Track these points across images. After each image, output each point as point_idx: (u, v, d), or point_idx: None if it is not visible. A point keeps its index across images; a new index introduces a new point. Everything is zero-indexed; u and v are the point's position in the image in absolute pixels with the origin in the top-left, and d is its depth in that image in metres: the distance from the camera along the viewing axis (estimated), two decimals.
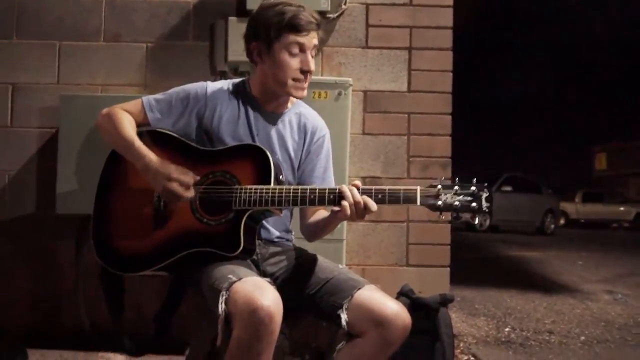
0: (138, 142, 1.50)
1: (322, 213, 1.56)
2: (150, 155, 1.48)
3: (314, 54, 1.53)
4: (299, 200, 1.41)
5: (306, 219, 1.61)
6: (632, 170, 29.44)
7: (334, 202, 1.40)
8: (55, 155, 2.36)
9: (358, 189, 1.39)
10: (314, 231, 1.60)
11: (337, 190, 1.40)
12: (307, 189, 1.42)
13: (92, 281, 2.30)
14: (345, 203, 1.37)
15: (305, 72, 1.51)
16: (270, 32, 1.49)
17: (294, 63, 1.50)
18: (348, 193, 1.38)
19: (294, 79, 1.51)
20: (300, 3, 1.54)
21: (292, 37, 1.48)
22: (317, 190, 1.41)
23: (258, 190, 1.42)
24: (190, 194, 1.45)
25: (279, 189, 1.42)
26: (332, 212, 1.46)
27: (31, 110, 2.55)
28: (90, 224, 1.56)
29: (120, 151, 1.54)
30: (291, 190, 1.42)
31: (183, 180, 1.44)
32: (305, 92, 1.56)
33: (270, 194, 1.41)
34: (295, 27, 1.48)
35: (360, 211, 1.38)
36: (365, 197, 1.37)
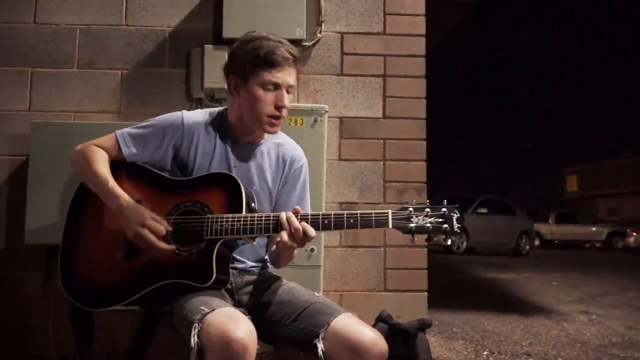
0: (112, 182, 1.47)
1: None
2: (125, 197, 1.45)
3: (290, 90, 1.53)
4: (255, 229, 1.40)
5: (271, 247, 1.61)
6: (601, 191, 30.24)
7: (277, 229, 1.39)
8: (25, 184, 2.31)
9: (297, 214, 1.39)
10: (273, 259, 1.61)
11: (277, 218, 1.39)
12: (254, 217, 1.41)
13: (61, 313, 2.22)
14: (282, 231, 1.37)
15: (279, 107, 1.51)
16: (246, 67, 1.50)
17: (269, 98, 1.50)
18: (284, 221, 1.38)
19: (269, 115, 1.51)
20: (275, 31, 1.56)
21: (267, 74, 1.48)
22: (263, 218, 1.41)
23: (230, 219, 1.41)
24: (162, 245, 1.41)
25: (251, 217, 1.41)
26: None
27: (1, 137, 2.50)
28: (58, 257, 1.52)
29: (93, 189, 1.51)
30: (248, 219, 1.40)
31: (156, 229, 1.41)
32: (278, 129, 1.56)
33: (242, 223, 1.40)
34: (270, 63, 1.48)
35: (299, 238, 1.37)
36: (304, 224, 1.37)
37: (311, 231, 1.37)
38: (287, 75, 1.51)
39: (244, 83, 1.51)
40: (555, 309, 5.01)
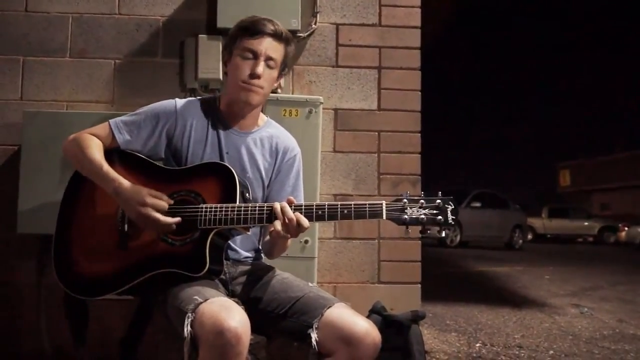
0: (106, 166, 1.46)
1: None
2: (120, 180, 1.44)
3: (272, 64, 1.52)
4: (249, 219, 1.39)
5: (264, 237, 1.61)
6: (594, 186, 30.45)
7: (270, 219, 1.39)
8: (17, 173, 2.29)
9: (291, 205, 1.39)
10: (267, 250, 1.60)
11: (270, 208, 1.39)
12: (248, 207, 1.41)
13: (54, 303, 2.21)
14: (276, 221, 1.37)
15: (252, 75, 1.50)
16: (232, 40, 1.54)
17: (244, 66, 1.51)
18: (278, 211, 1.37)
19: (242, 81, 1.51)
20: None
21: (245, 41, 1.51)
22: (257, 208, 1.40)
23: (224, 209, 1.40)
24: (168, 219, 1.40)
25: (245, 206, 1.40)
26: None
27: None
28: (52, 246, 1.51)
29: (88, 176, 1.50)
30: (242, 209, 1.40)
31: (158, 205, 1.40)
32: (255, 98, 1.53)
33: (235, 213, 1.39)
34: (247, 29, 1.51)
35: (293, 228, 1.37)
36: (298, 214, 1.37)
37: (305, 221, 1.37)
38: (265, 45, 1.51)
39: (230, 57, 1.55)
40: (548, 302, 5.05)
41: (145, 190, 1.42)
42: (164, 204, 1.41)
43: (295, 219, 1.36)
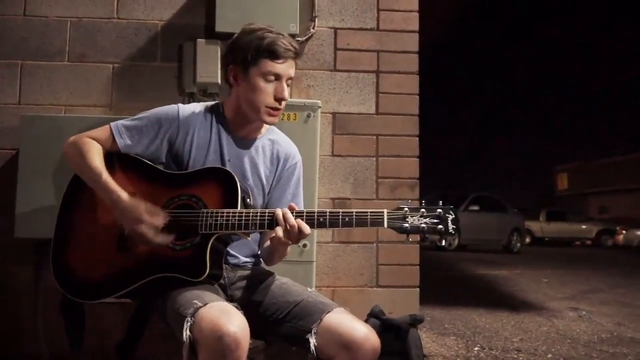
0: (106, 175, 1.45)
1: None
2: (119, 192, 1.43)
3: (289, 83, 1.53)
4: (250, 225, 1.38)
5: (263, 243, 1.60)
6: (592, 189, 30.51)
7: (272, 225, 1.39)
8: (14, 177, 2.28)
9: (292, 211, 1.39)
10: (266, 256, 1.60)
11: (272, 214, 1.39)
12: (250, 213, 1.40)
13: (52, 308, 2.20)
14: (278, 227, 1.37)
15: (279, 99, 1.51)
16: (248, 56, 1.48)
17: (269, 89, 1.50)
18: (280, 217, 1.37)
19: (267, 106, 1.51)
20: (270, 26, 1.55)
21: (269, 64, 1.48)
22: (258, 214, 1.40)
23: (225, 214, 1.40)
24: (159, 239, 1.40)
25: (246, 212, 1.40)
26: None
27: None
28: (50, 249, 1.50)
29: (87, 182, 1.49)
30: (243, 214, 1.39)
31: (152, 223, 1.40)
32: (276, 119, 1.55)
33: (237, 218, 1.39)
34: (273, 53, 1.48)
35: (294, 235, 1.37)
36: (299, 221, 1.37)
37: (306, 228, 1.37)
38: (288, 68, 1.51)
39: (245, 73, 1.51)
40: (546, 306, 5.05)
41: (143, 206, 1.41)
42: (159, 222, 1.41)
43: (296, 226, 1.36)
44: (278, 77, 1.50)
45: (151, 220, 1.40)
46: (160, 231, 1.41)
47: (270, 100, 1.50)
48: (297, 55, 1.52)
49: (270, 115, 1.52)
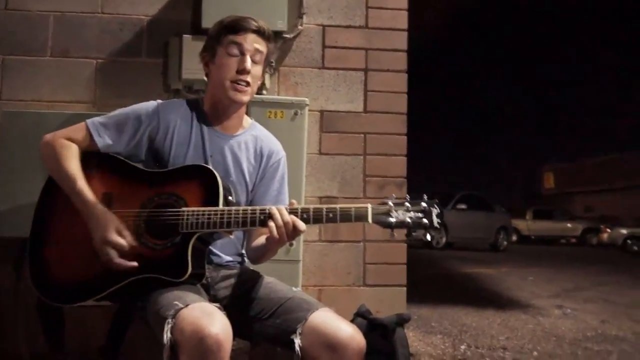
0: (80, 183, 1.42)
1: (263, 237, 1.50)
2: (93, 204, 1.39)
3: (257, 59, 1.51)
4: (232, 223, 1.36)
5: (250, 242, 1.58)
6: (578, 188, 30.87)
7: (264, 223, 1.36)
8: None
9: (290, 208, 1.36)
10: (255, 255, 1.57)
11: (267, 211, 1.36)
12: (239, 210, 1.38)
13: (33, 308, 2.16)
14: (271, 224, 1.34)
15: (241, 71, 1.49)
16: (214, 40, 1.52)
17: (231, 63, 1.49)
18: (276, 214, 1.35)
19: (232, 81, 1.49)
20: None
21: (230, 37, 1.49)
22: (249, 211, 1.38)
23: (206, 213, 1.37)
24: (122, 263, 1.36)
25: (228, 210, 1.38)
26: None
27: None
28: (27, 251, 1.47)
29: (62, 188, 1.45)
30: (225, 212, 1.37)
31: (118, 244, 1.36)
32: (245, 97, 1.52)
33: (218, 216, 1.37)
34: (231, 27, 1.50)
35: (289, 232, 1.35)
36: (294, 218, 1.35)
37: (301, 225, 1.35)
38: (251, 41, 1.50)
39: (213, 56, 1.53)
40: (531, 304, 5.09)
41: (113, 224, 1.37)
42: (125, 244, 1.37)
43: (291, 222, 1.34)
44: (241, 51, 1.49)
45: (117, 241, 1.37)
46: (120, 256, 1.37)
47: (232, 74, 1.49)
48: (260, 31, 1.51)
49: (236, 90, 1.50)
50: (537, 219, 20.15)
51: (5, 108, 2.35)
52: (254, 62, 1.50)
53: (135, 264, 1.37)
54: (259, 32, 1.51)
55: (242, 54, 1.49)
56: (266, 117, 2.34)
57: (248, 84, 1.50)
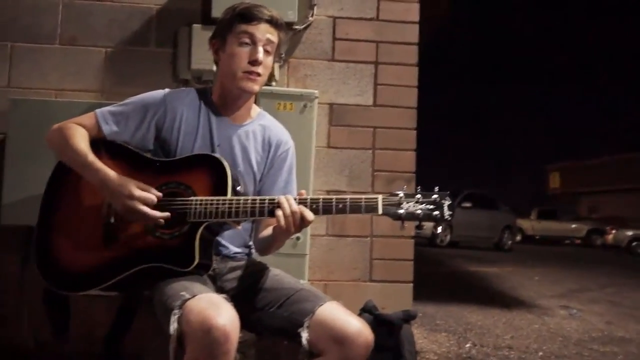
0: (92, 157, 1.41)
1: (271, 228, 1.48)
2: (107, 171, 1.38)
3: (269, 49, 1.49)
4: (240, 212, 1.34)
5: (258, 233, 1.56)
6: (583, 188, 30.70)
7: (273, 213, 1.34)
8: (2, 162, 2.22)
9: (299, 198, 1.34)
10: (262, 246, 1.55)
11: (275, 201, 1.34)
12: (248, 200, 1.36)
13: (38, 297, 2.15)
14: (279, 213, 1.32)
15: (252, 62, 1.46)
16: (224, 27, 1.49)
17: (243, 53, 1.46)
18: (285, 204, 1.33)
19: (244, 71, 1.47)
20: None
21: (242, 27, 1.46)
22: (257, 201, 1.35)
23: (215, 202, 1.35)
24: (156, 213, 1.35)
25: (236, 200, 1.36)
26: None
27: None
28: (33, 239, 1.45)
29: (72, 167, 1.44)
30: (234, 202, 1.35)
31: (146, 198, 1.35)
32: (256, 87, 1.50)
33: (227, 206, 1.35)
34: (244, 16, 1.47)
35: (296, 221, 1.32)
36: (302, 207, 1.33)
37: (309, 214, 1.32)
38: (263, 31, 1.47)
39: (223, 44, 1.50)
40: (537, 304, 5.06)
41: (132, 182, 1.37)
42: (152, 197, 1.36)
43: (299, 212, 1.32)
44: (253, 41, 1.46)
45: (143, 195, 1.35)
46: (153, 208, 1.35)
47: (245, 65, 1.46)
48: (272, 21, 1.49)
49: (248, 79, 1.47)
50: (541, 218, 20.06)
51: (13, 95, 2.34)
52: (265, 52, 1.48)
53: (167, 214, 1.35)
54: (272, 21, 1.48)
55: (254, 43, 1.47)
56: (275, 109, 2.32)
57: (259, 74, 1.48)
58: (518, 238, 17.53)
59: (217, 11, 2.36)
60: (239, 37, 1.46)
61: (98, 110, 1.50)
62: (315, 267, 2.53)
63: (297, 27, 2.54)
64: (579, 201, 30.76)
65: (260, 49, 1.47)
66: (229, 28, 1.48)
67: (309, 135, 2.39)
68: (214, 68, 2.36)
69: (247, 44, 1.47)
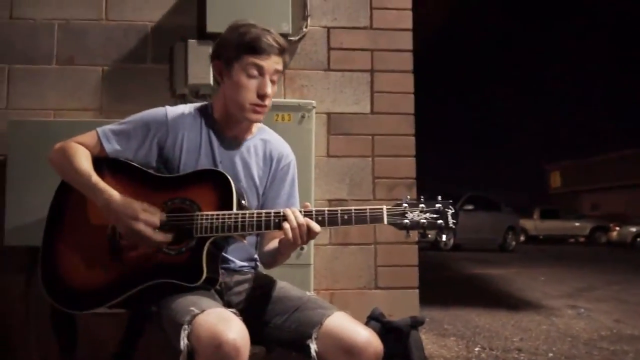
0: (95, 177, 1.40)
1: (276, 241, 1.49)
2: (111, 192, 1.38)
3: (275, 78, 1.48)
4: (246, 226, 1.34)
5: (263, 247, 1.56)
6: (584, 187, 30.68)
7: (279, 226, 1.34)
8: (3, 184, 2.23)
9: (304, 210, 1.35)
10: (268, 259, 1.55)
11: (281, 214, 1.35)
12: (254, 213, 1.36)
13: (43, 317, 2.15)
14: (286, 225, 1.33)
15: (261, 96, 1.46)
16: (231, 52, 1.45)
17: (251, 85, 1.45)
18: (291, 216, 1.33)
19: (251, 103, 1.46)
20: (262, 25, 1.51)
21: (251, 59, 1.44)
22: (263, 214, 1.36)
23: (220, 216, 1.35)
24: (158, 236, 1.35)
25: (242, 214, 1.36)
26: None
27: None
28: (39, 259, 1.45)
29: (76, 187, 1.44)
30: (239, 216, 1.35)
31: (150, 221, 1.35)
32: (261, 117, 1.50)
33: (233, 220, 1.35)
34: (254, 49, 1.43)
35: (303, 233, 1.33)
36: (308, 220, 1.33)
37: (315, 226, 1.33)
38: (272, 63, 1.46)
39: (228, 69, 1.47)
40: (544, 304, 5.04)
41: (137, 203, 1.36)
42: (156, 219, 1.36)
43: (305, 224, 1.33)
44: (261, 73, 1.45)
45: (147, 217, 1.35)
46: (157, 231, 1.36)
47: (253, 97, 1.45)
48: (281, 51, 1.47)
49: (255, 112, 1.47)
50: (544, 218, 20.02)
51: (11, 117, 2.35)
52: (271, 82, 1.47)
53: (170, 236, 1.35)
54: (280, 52, 1.47)
55: (262, 75, 1.45)
56: (273, 121, 2.32)
57: (266, 105, 1.48)
58: (522, 238, 17.48)
59: (212, 26, 2.38)
60: (247, 68, 1.44)
61: (99, 129, 1.50)
62: (320, 276, 2.52)
63: (292, 38, 2.56)
64: (581, 199, 30.73)
65: (269, 83, 1.46)
66: (236, 57, 1.44)
67: (308, 145, 2.39)
68: (211, 82, 2.41)
69: (254, 76, 1.45)
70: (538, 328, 3.90)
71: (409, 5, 2.72)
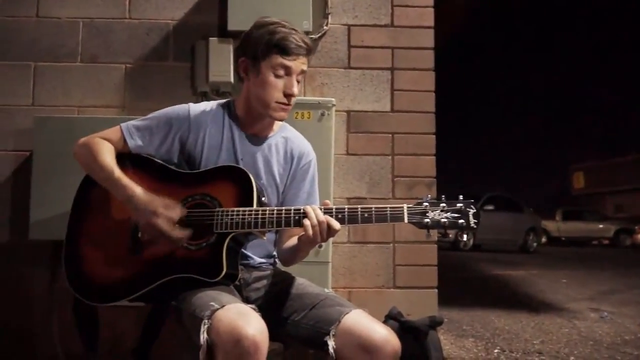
0: (118, 172, 1.43)
1: (295, 238, 1.49)
2: (133, 187, 1.40)
3: (300, 78, 1.49)
4: (266, 223, 1.35)
5: (282, 244, 1.57)
6: (609, 188, 30.06)
7: (299, 223, 1.35)
8: (29, 179, 2.28)
9: (324, 208, 1.35)
10: (287, 256, 1.55)
11: (301, 211, 1.35)
12: (274, 210, 1.37)
13: (67, 310, 2.19)
14: (307, 222, 1.33)
15: (288, 95, 1.47)
16: (258, 50, 1.45)
17: (278, 85, 1.46)
18: (311, 213, 1.34)
19: (277, 102, 1.47)
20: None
21: (279, 59, 1.44)
22: (283, 211, 1.37)
23: (240, 213, 1.36)
24: (177, 232, 1.37)
25: (262, 210, 1.37)
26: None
27: (5, 132, 2.47)
28: (62, 251, 1.48)
29: (99, 181, 1.46)
30: (260, 212, 1.36)
31: (169, 216, 1.37)
32: (286, 115, 1.51)
33: (253, 216, 1.36)
34: (283, 49, 1.44)
35: (323, 231, 1.33)
36: (328, 217, 1.33)
37: (335, 224, 1.33)
38: (299, 64, 1.47)
39: (255, 66, 1.47)
40: (566, 307, 4.95)
41: (158, 200, 1.38)
42: (175, 215, 1.38)
43: (325, 221, 1.33)
44: (288, 73, 1.46)
45: (167, 213, 1.37)
46: (175, 227, 1.37)
47: (280, 96, 1.46)
48: (308, 52, 1.48)
49: (281, 110, 1.48)
50: (567, 219, 19.65)
51: (37, 114, 2.40)
52: (297, 81, 1.49)
53: (189, 232, 1.37)
54: (308, 52, 1.48)
55: (289, 75, 1.46)
56: (293, 118, 2.32)
57: (291, 104, 1.50)
58: (543, 240, 17.21)
59: (233, 24, 2.40)
60: (275, 68, 1.45)
61: (123, 125, 1.52)
62: (339, 274, 2.52)
63: (312, 36, 2.55)
64: (604, 201, 30.11)
65: (295, 82, 1.47)
66: (265, 56, 1.45)
67: (327, 143, 2.39)
68: (232, 80, 2.43)
69: (281, 76, 1.46)
70: (559, 331, 3.83)
71: (431, 2, 2.70)
